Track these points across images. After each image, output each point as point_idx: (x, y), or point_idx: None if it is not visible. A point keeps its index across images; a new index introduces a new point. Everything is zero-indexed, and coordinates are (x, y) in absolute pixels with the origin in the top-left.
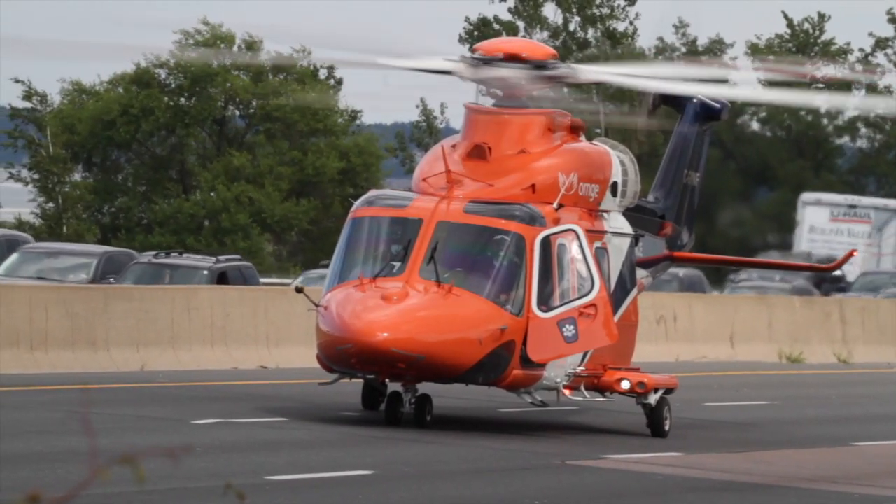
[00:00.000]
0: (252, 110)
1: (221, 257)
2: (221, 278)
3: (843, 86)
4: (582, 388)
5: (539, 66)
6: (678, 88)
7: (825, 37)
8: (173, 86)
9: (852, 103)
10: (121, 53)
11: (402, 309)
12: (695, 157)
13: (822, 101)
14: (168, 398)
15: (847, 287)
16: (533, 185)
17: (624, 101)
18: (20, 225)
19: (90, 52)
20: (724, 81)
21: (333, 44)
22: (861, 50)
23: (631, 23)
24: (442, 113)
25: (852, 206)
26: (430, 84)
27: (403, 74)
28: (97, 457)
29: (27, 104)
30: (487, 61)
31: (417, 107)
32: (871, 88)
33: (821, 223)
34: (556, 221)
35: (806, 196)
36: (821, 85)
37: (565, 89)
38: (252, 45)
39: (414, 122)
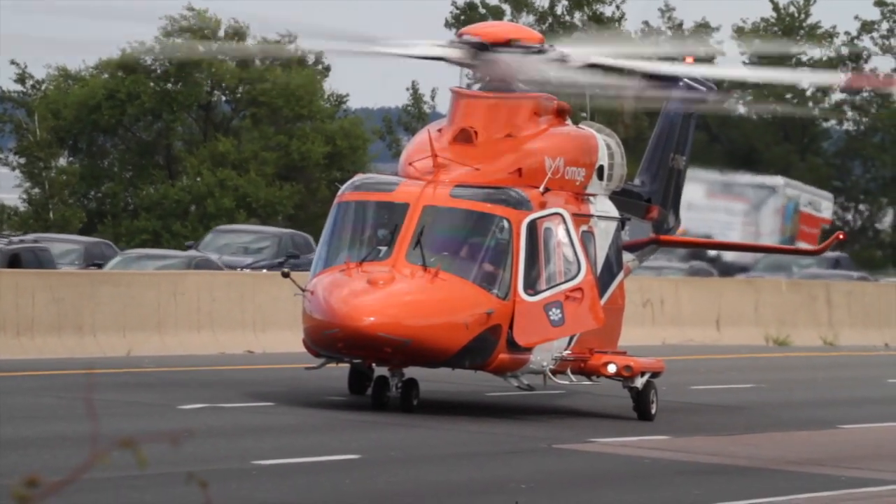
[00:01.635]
0: (238, 95)
1: (14, 238)
2: (14, 261)
3: (829, 68)
4: (569, 371)
5: (531, 49)
6: (665, 69)
7: (811, 20)
8: (159, 71)
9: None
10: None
11: (388, 293)
12: (681, 140)
13: (808, 80)
14: (154, 383)
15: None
16: (519, 169)
17: (611, 81)
18: (4, 211)
19: (76, 45)
20: (710, 61)
21: (322, 32)
22: (847, 33)
23: (617, 7)
24: (433, 98)
25: (728, 185)
26: (420, 68)
27: (393, 59)
28: (97, 441)
29: (18, 87)
30: (484, 46)
31: (408, 90)
32: (857, 71)
33: (698, 200)
34: (543, 205)
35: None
36: (806, 68)
37: (553, 73)
38: (238, 32)
39: (403, 107)
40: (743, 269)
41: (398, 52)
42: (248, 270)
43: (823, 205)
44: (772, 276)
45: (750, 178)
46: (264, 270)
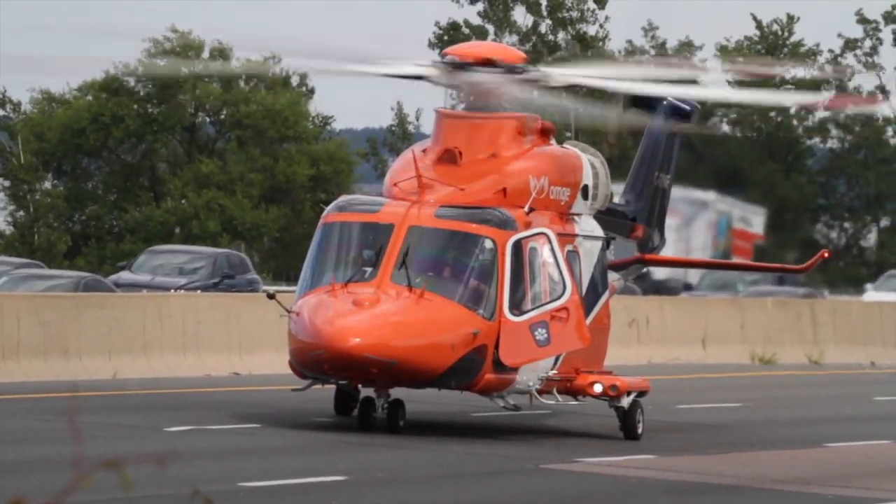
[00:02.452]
0: (222, 117)
1: None
2: None
3: (813, 87)
4: (554, 391)
5: (511, 69)
6: (648, 90)
7: (794, 38)
8: (142, 93)
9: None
10: (89, 64)
11: (374, 314)
12: (665, 159)
13: (791, 101)
14: (140, 405)
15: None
16: (504, 189)
17: (594, 101)
18: None
19: (59, 66)
20: (693, 82)
21: (304, 51)
22: (830, 51)
23: (601, 26)
24: (417, 119)
25: None
26: (405, 89)
27: (377, 79)
28: (82, 462)
29: (0, 111)
30: (461, 65)
31: (392, 109)
32: (841, 89)
33: None
34: (528, 225)
35: (614, 187)
36: (790, 86)
37: (535, 92)
38: (222, 53)
39: (388, 127)
40: (687, 286)
41: (379, 71)
42: (181, 291)
43: (755, 220)
44: (715, 294)
45: (682, 192)
46: (198, 291)
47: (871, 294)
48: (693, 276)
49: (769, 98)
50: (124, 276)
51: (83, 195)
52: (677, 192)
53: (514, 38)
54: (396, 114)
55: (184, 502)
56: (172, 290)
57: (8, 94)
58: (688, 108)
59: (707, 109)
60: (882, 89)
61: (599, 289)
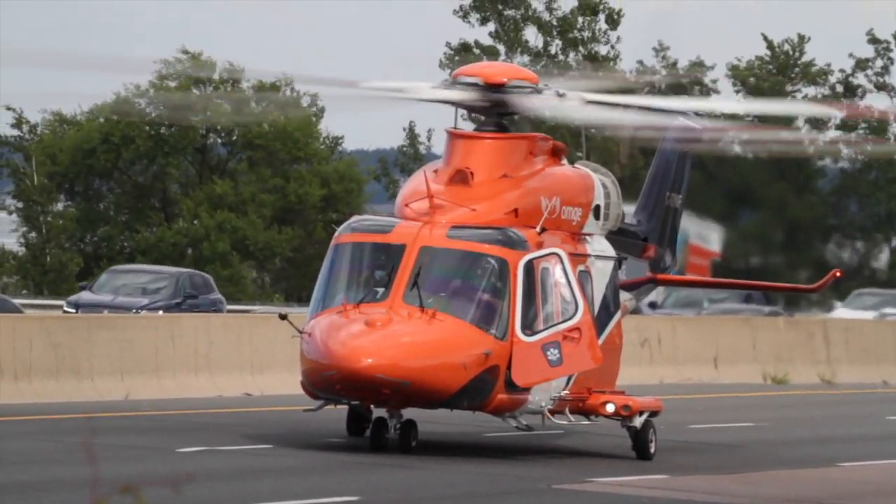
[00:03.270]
0: (234, 138)
1: None
2: None
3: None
4: (567, 411)
5: (534, 90)
6: (661, 104)
7: (805, 58)
8: (153, 115)
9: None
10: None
11: (386, 335)
12: (677, 179)
13: (804, 111)
14: (153, 427)
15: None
16: (516, 210)
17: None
18: (3, 255)
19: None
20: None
21: (317, 79)
22: (842, 70)
23: (612, 46)
24: (429, 139)
25: None
26: (417, 109)
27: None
28: (97, 486)
29: (15, 132)
30: (487, 87)
31: (404, 129)
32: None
33: None
34: (539, 245)
35: (625, 208)
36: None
37: (548, 113)
38: (233, 75)
39: (399, 147)
40: (652, 304)
41: (405, 97)
42: (144, 312)
43: (713, 237)
44: (681, 311)
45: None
46: (160, 312)
47: (840, 311)
48: (657, 293)
49: (782, 109)
50: (85, 296)
51: (95, 216)
52: (631, 209)
53: (526, 58)
54: (407, 135)
55: None
56: (133, 311)
57: (24, 116)
58: (699, 128)
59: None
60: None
61: (611, 308)
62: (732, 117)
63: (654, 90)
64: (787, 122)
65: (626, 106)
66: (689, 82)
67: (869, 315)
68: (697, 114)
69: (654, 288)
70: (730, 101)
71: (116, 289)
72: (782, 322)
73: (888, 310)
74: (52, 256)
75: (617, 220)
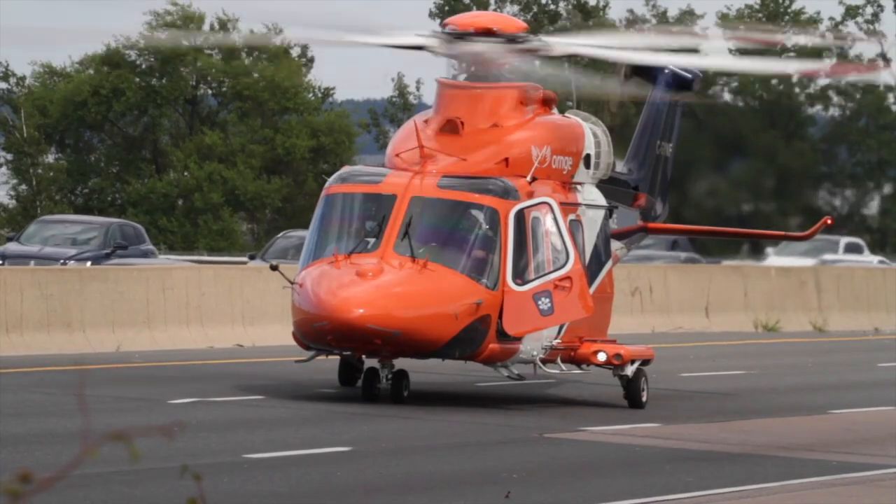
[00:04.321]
0: (224, 89)
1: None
2: None
3: (814, 54)
4: (558, 360)
5: (511, 39)
6: (650, 59)
7: (795, 6)
8: (143, 67)
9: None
10: (90, 37)
11: (377, 285)
12: (667, 128)
13: (793, 68)
14: (145, 378)
15: None
16: (506, 159)
17: (596, 71)
18: None
19: (59, 36)
20: (695, 51)
21: (304, 21)
22: (831, 18)
23: None
24: (418, 89)
25: None
26: (406, 59)
27: (377, 50)
28: (89, 435)
29: (2, 84)
30: (460, 35)
31: (392, 80)
32: (843, 56)
33: None
34: (530, 195)
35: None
36: (791, 54)
37: (537, 62)
38: (224, 24)
39: (388, 98)
40: None
41: (380, 42)
42: (72, 263)
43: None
44: None
45: None
46: (88, 263)
47: (773, 259)
48: None
49: (771, 66)
50: (11, 247)
51: (86, 168)
52: None
53: (515, 7)
54: (396, 85)
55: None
56: (61, 262)
57: (11, 68)
58: (689, 76)
59: (708, 78)
60: (883, 56)
61: (602, 258)
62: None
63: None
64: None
65: (614, 58)
66: (679, 32)
67: (807, 261)
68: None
69: (646, 237)
70: (719, 56)
71: (45, 239)
72: (774, 270)
73: (827, 256)
74: (43, 209)
75: (608, 169)
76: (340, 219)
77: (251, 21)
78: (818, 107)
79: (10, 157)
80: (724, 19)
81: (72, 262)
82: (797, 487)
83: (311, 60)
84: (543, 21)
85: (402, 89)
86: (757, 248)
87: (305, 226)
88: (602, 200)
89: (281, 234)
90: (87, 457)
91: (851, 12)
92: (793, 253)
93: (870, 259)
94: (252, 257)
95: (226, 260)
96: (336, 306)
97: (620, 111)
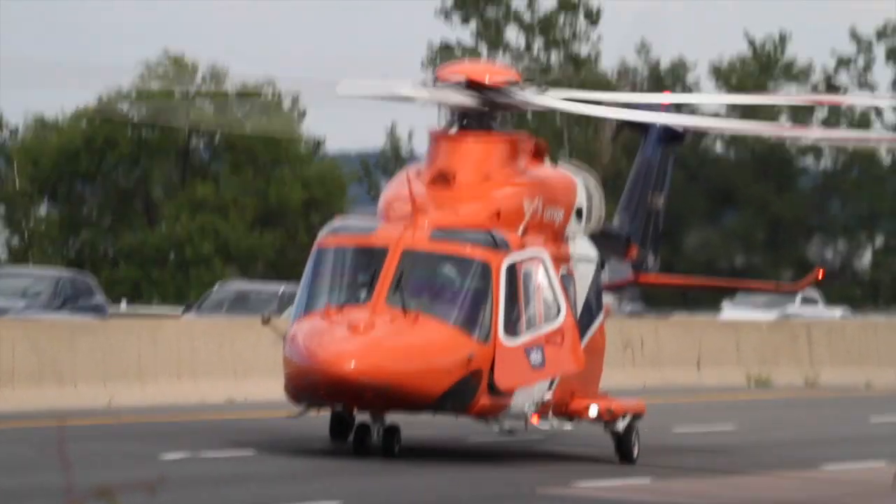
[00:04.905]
0: (216, 141)
1: None
2: None
3: (807, 108)
4: (550, 415)
5: (503, 90)
6: (641, 116)
7: (787, 56)
8: (136, 118)
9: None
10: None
11: (368, 338)
12: (659, 179)
13: (786, 133)
14: (136, 433)
15: None
16: (498, 212)
17: (588, 123)
18: None
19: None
20: (687, 105)
21: (296, 74)
22: (823, 69)
23: (593, 45)
24: (410, 140)
25: None
26: (399, 111)
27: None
28: (74, 491)
29: None
30: (453, 86)
31: (385, 132)
32: (834, 110)
33: None
34: (522, 247)
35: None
36: (784, 108)
37: (529, 113)
38: (216, 75)
39: (380, 150)
40: None
41: (371, 93)
42: (23, 315)
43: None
44: None
45: None
46: (39, 316)
47: (728, 311)
48: None
49: (762, 129)
50: None
51: (78, 220)
52: None
53: (507, 58)
54: (389, 136)
55: None
56: (10, 315)
57: (5, 119)
58: (680, 129)
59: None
60: (875, 109)
61: (594, 311)
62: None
63: (635, 89)
64: (769, 118)
65: (607, 104)
66: (672, 81)
67: (762, 314)
68: (679, 109)
69: (638, 289)
70: (711, 95)
71: None
72: (765, 324)
73: (791, 309)
74: (35, 261)
75: (599, 222)
76: (332, 271)
77: (244, 73)
78: (810, 158)
79: (2, 209)
80: (715, 70)
81: (21, 315)
82: None
83: (304, 113)
84: (535, 72)
85: (394, 141)
86: (713, 302)
87: (298, 279)
88: (594, 253)
89: (217, 284)
90: None
91: (844, 63)
92: (748, 306)
93: (828, 312)
94: (188, 308)
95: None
96: (327, 360)
97: (612, 163)
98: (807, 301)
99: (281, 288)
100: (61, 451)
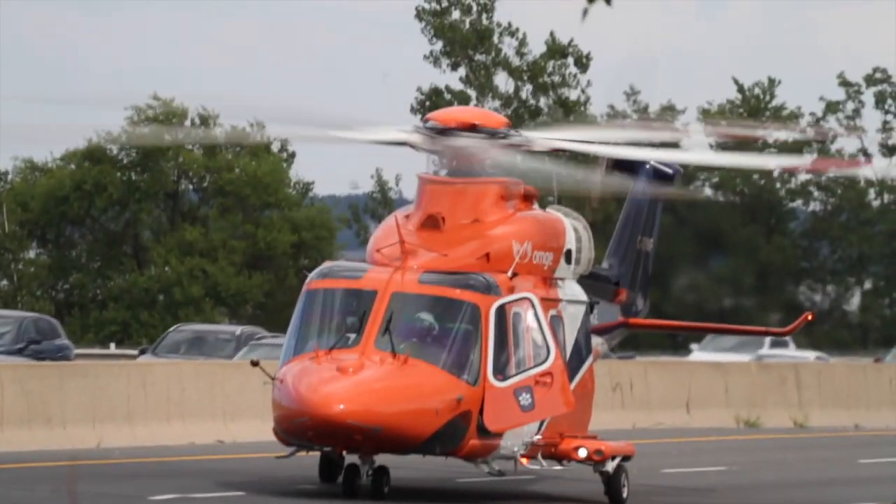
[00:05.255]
0: (205, 185)
1: None
2: None
3: (795, 150)
4: (539, 456)
5: (493, 134)
6: (631, 153)
7: (776, 101)
8: (125, 161)
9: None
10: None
11: (357, 380)
12: (648, 223)
13: (774, 164)
14: (125, 474)
15: None
16: (487, 254)
17: (577, 165)
18: None
19: (41, 135)
20: (676, 146)
21: (287, 118)
22: (812, 114)
23: (583, 90)
24: (397, 184)
25: None
26: (386, 155)
27: (357, 145)
28: None
29: None
30: (443, 131)
31: (372, 177)
32: (824, 152)
33: None
34: (511, 290)
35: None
36: (772, 149)
37: (518, 157)
38: (205, 120)
39: (368, 193)
40: None
41: (362, 138)
42: None
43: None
44: None
45: None
46: (0, 358)
47: (696, 354)
48: None
49: (752, 161)
50: None
51: (67, 263)
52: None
53: (497, 103)
54: (376, 181)
55: None
56: None
57: None
58: (670, 171)
59: (689, 173)
60: (864, 152)
61: (583, 353)
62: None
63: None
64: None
65: (595, 153)
66: (660, 126)
67: (731, 357)
68: (667, 163)
69: (627, 332)
70: (701, 151)
71: None
72: (754, 366)
73: (765, 351)
74: (24, 304)
75: (588, 265)
76: (321, 314)
77: (232, 117)
78: (799, 202)
79: None
80: (705, 115)
81: None
82: None
83: (292, 156)
84: (524, 116)
85: (381, 185)
86: (681, 345)
87: (287, 322)
88: (583, 296)
89: (173, 328)
90: None
91: (832, 108)
92: (718, 348)
93: (797, 354)
94: (143, 351)
95: (119, 353)
96: (316, 402)
97: (601, 206)
98: (777, 344)
99: (238, 329)
100: (71, 493)
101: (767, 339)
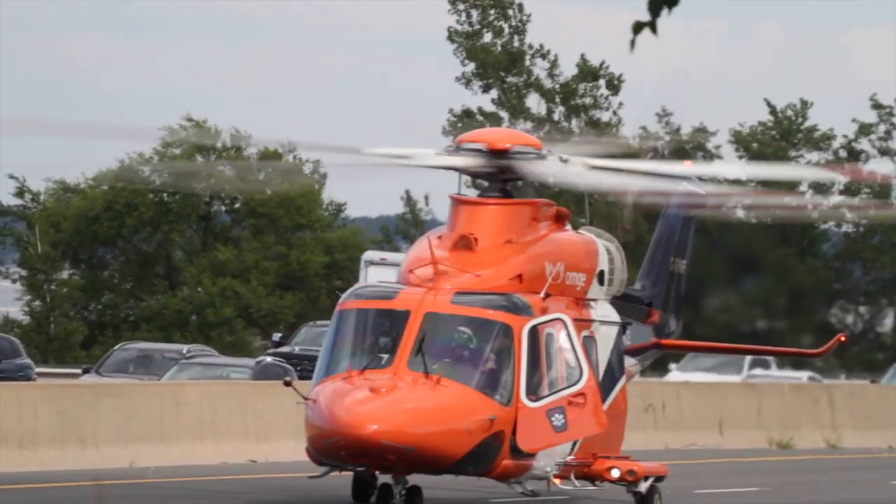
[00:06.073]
0: (237, 206)
1: None
2: None
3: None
4: (572, 476)
5: (538, 156)
6: (663, 168)
7: (808, 123)
8: (157, 182)
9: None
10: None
11: (390, 401)
12: (681, 244)
13: (808, 174)
14: (158, 494)
15: None
16: (520, 275)
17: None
18: (7, 324)
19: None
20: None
21: (320, 146)
22: (844, 136)
23: (615, 112)
24: (426, 204)
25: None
26: (415, 176)
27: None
28: None
29: (18, 201)
30: (496, 153)
31: (401, 199)
32: (853, 192)
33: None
34: (544, 311)
35: (368, 255)
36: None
37: (551, 178)
38: (237, 143)
39: (399, 215)
40: None
41: (409, 164)
42: None
43: None
44: None
45: None
46: None
47: (675, 374)
48: None
49: (785, 173)
50: None
51: (99, 284)
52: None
53: (529, 124)
54: (406, 202)
55: None
56: None
57: (27, 184)
58: (702, 193)
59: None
60: None
61: (616, 374)
62: (736, 182)
63: (657, 155)
64: (790, 186)
65: (630, 171)
66: (692, 148)
67: (712, 377)
68: (700, 179)
69: (659, 353)
70: (732, 165)
71: None
72: (787, 387)
73: (756, 371)
74: (57, 325)
75: (621, 286)
76: (354, 335)
77: (265, 138)
78: (831, 224)
79: (24, 273)
80: (736, 137)
81: None
82: None
83: (325, 177)
84: (556, 138)
85: (411, 206)
86: (660, 365)
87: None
88: (615, 317)
89: (118, 346)
90: None
91: (864, 130)
92: (698, 368)
93: (781, 374)
94: (86, 370)
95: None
96: (349, 422)
97: (634, 228)
98: (758, 364)
99: (185, 347)
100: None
101: (747, 360)
